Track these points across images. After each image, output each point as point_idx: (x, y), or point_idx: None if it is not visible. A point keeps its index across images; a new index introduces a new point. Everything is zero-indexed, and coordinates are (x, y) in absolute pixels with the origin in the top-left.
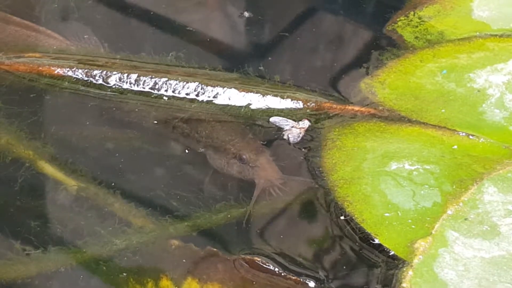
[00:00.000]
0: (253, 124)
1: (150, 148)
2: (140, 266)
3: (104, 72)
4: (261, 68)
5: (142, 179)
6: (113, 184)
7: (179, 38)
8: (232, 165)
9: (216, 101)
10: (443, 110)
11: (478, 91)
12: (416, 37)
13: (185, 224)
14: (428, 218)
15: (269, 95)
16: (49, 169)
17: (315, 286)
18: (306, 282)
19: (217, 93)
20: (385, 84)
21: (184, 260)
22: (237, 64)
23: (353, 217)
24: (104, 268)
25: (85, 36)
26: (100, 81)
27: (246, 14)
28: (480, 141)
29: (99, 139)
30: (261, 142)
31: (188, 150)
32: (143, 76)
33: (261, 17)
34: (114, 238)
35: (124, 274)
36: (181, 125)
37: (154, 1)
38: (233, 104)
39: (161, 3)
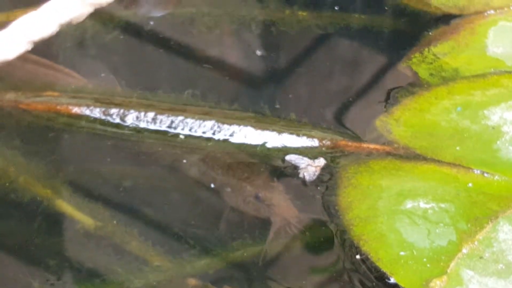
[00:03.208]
0: (269, 162)
1: (166, 186)
2: None
3: (121, 111)
4: (277, 106)
5: (159, 217)
6: (130, 222)
7: (195, 76)
8: (248, 203)
9: (232, 139)
10: (458, 148)
11: (493, 128)
12: (431, 74)
13: (202, 262)
14: (443, 257)
15: (285, 133)
16: (67, 208)
17: None
18: None
19: (233, 131)
20: (400, 121)
21: None
22: (253, 102)
23: (369, 256)
24: None
25: (102, 75)
26: (117, 120)
27: (259, 52)
28: (495, 178)
29: (116, 178)
30: (277, 180)
31: (204, 188)
32: (160, 115)
33: (275, 55)
34: (132, 277)
35: None
36: (197, 164)
37: (171, 39)
38: (249, 142)
39: (177, 41)
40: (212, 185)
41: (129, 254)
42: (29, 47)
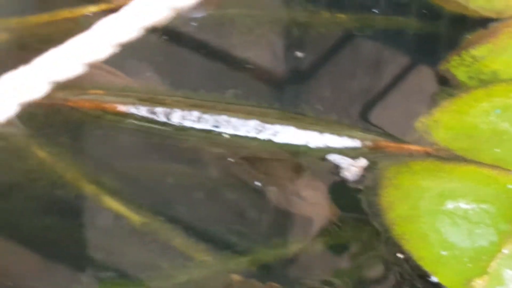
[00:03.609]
0: (311, 162)
1: (210, 184)
2: None
3: (167, 110)
4: (318, 107)
5: (203, 214)
6: (174, 219)
7: (236, 76)
8: (290, 202)
9: (275, 139)
10: (497, 150)
11: None
12: (470, 77)
13: (245, 258)
14: (484, 257)
15: (326, 133)
16: (113, 204)
17: None
18: None
19: (276, 131)
20: (439, 123)
21: None
22: (293, 103)
23: (411, 255)
24: None
25: (147, 74)
26: (163, 119)
27: (299, 54)
28: None
29: (161, 175)
30: (319, 180)
31: (247, 187)
32: (204, 114)
33: (315, 57)
34: (176, 272)
35: None
36: (241, 162)
37: (212, 39)
38: (291, 142)
39: (218, 42)
40: (258, 183)
41: (173, 250)
42: (113, 50)
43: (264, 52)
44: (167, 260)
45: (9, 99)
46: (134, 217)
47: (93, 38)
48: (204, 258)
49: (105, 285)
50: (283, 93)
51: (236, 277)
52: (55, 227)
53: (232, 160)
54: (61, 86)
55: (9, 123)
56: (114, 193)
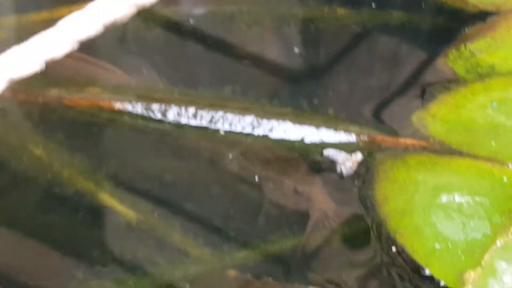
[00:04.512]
0: (307, 157)
1: (207, 180)
2: None
3: (163, 107)
4: (315, 102)
5: (199, 210)
6: (171, 215)
7: (235, 72)
8: (286, 197)
9: (271, 134)
10: (493, 143)
11: None
12: (467, 71)
13: (241, 254)
14: (478, 250)
15: (322, 128)
16: (109, 201)
17: None
18: None
19: (272, 126)
20: (436, 117)
21: None
22: (292, 98)
23: (405, 249)
24: None
25: (144, 71)
26: (159, 116)
27: (297, 50)
28: None
29: (158, 172)
30: (315, 175)
31: (243, 182)
32: (200, 110)
33: (314, 52)
34: (172, 268)
35: None
36: (237, 158)
37: (211, 36)
38: (287, 137)
39: (217, 38)
40: (255, 179)
41: (170, 247)
42: (74, 46)
43: (262, 48)
44: (163, 256)
45: None
46: (131, 213)
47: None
48: (201, 253)
49: (102, 281)
50: (281, 89)
51: (232, 272)
52: (52, 224)
53: (228, 156)
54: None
55: None
56: (111, 190)
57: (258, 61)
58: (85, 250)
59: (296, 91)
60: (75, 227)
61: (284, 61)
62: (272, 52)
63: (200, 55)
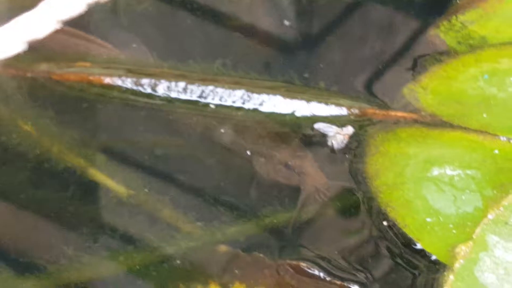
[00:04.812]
0: (298, 131)
1: (198, 155)
2: (189, 271)
3: (152, 81)
4: (306, 75)
5: (190, 185)
6: (162, 190)
7: (225, 45)
8: (278, 171)
9: (262, 108)
10: (484, 115)
11: None
12: (459, 42)
13: (232, 229)
14: (469, 223)
15: (313, 102)
16: (100, 177)
17: None
18: (350, 286)
19: (263, 100)
20: (427, 89)
21: (231, 266)
22: (282, 71)
23: (396, 222)
24: (154, 273)
25: (134, 45)
26: (149, 90)
27: (287, 23)
28: None
29: (148, 147)
30: (306, 149)
31: (235, 157)
32: (191, 85)
33: (304, 24)
34: (163, 244)
35: (173, 279)
36: (228, 132)
37: (201, 9)
38: (278, 111)
39: (207, 11)
40: (248, 152)
41: (161, 222)
42: (57, 26)
43: (253, 21)
44: (154, 231)
45: None
46: (121, 189)
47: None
48: (192, 229)
49: (93, 257)
50: (272, 62)
51: (223, 247)
52: (42, 200)
53: (219, 130)
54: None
55: None
56: (101, 165)
57: (249, 34)
58: (75, 225)
59: (287, 65)
60: (65, 203)
61: (275, 34)
62: (263, 24)
63: (190, 28)
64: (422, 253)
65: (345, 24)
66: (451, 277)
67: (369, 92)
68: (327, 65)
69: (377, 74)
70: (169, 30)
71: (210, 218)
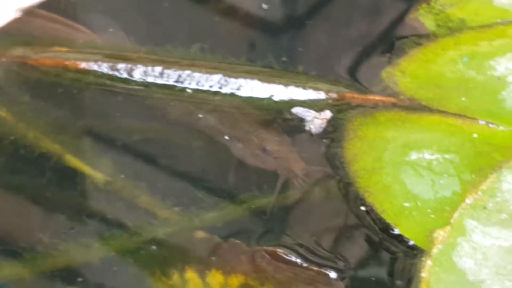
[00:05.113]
0: (276, 115)
1: (175, 140)
2: (166, 258)
3: (129, 66)
4: (284, 59)
5: (168, 171)
6: (139, 176)
7: (204, 29)
8: (255, 156)
9: (239, 93)
10: (463, 98)
11: (498, 78)
12: (438, 25)
13: (210, 215)
14: (447, 208)
15: (291, 86)
16: (76, 163)
17: (336, 276)
18: (327, 273)
19: (240, 85)
20: (406, 73)
21: (208, 252)
22: (261, 55)
23: (374, 208)
24: (131, 260)
25: (111, 30)
26: (125, 75)
27: (265, 6)
28: (499, 129)
29: (125, 133)
30: (284, 133)
31: (212, 142)
32: (167, 69)
33: (282, 8)
34: (140, 230)
35: (150, 265)
36: (206, 117)
37: None
38: (256, 95)
39: None
40: (224, 138)
41: (138, 208)
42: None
43: (231, 5)
44: (131, 218)
45: None
46: (98, 175)
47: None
48: (169, 215)
49: (69, 244)
50: (250, 46)
51: (200, 234)
52: (18, 187)
53: (196, 115)
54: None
55: None
56: (77, 152)
57: (228, 18)
58: (52, 212)
59: (265, 48)
60: (41, 189)
61: (254, 17)
62: (243, 8)
63: (167, 12)
64: (400, 239)
65: (324, 8)
66: (429, 262)
67: (347, 76)
68: (306, 49)
69: (356, 58)
70: (147, 14)
71: (188, 204)
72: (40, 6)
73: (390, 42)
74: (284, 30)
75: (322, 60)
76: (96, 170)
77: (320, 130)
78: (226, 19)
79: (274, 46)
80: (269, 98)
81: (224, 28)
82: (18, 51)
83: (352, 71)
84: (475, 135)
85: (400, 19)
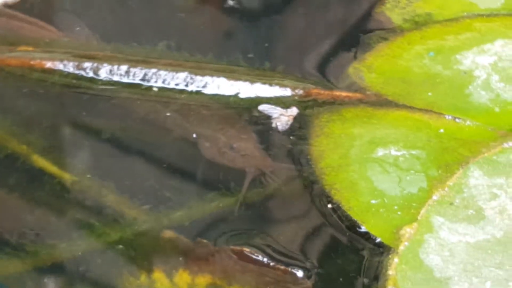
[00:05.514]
0: (242, 112)
1: (142, 139)
2: (133, 258)
3: (95, 65)
4: (251, 55)
5: (135, 170)
6: (106, 176)
7: (170, 26)
8: (222, 154)
9: (205, 90)
10: (430, 93)
11: (465, 73)
12: (404, 19)
13: (177, 214)
14: (414, 204)
15: (257, 83)
16: (43, 163)
17: (303, 275)
18: (294, 271)
19: (206, 82)
20: (372, 68)
21: (175, 252)
22: (227, 52)
23: (340, 205)
24: (98, 260)
25: (77, 28)
26: (91, 74)
27: (231, 2)
28: (466, 124)
29: (92, 132)
30: (251, 131)
31: (179, 140)
32: (133, 68)
33: (250, 3)
34: (108, 230)
35: (118, 266)
36: (172, 116)
37: None
38: (222, 93)
39: None
40: (194, 135)
41: (105, 208)
42: None
43: (197, 1)
44: (99, 217)
45: None
46: (65, 175)
47: None
48: (137, 214)
49: (36, 246)
50: (217, 43)
51: (167, 233)
52: None
53: (163, 113)
54: None
55: None
56: (44, 152)
57: (195, 14)
58: (18, 214)
59: (232, 45)
60: (8, 191)
61: (221, 13)
62: (209, 4)
63: (133, 10)
64: (366, 236)
65: (290, 3)
66: (396, 259)
67: (314, 72)
68: (272, 45)
69: (322, 54)
70: (113, 12)
71: (156, 203)
72: (4, 4)
73: (356, 37)
74: (251, 27)
75: (288, 56)
76: (62, 170)
77: (287, 127)
78: (192, 16)
79: (240, 42)
80: (236, 96)
81: (191, 25)
82: None
83: (319, 67)
84: (441, 131)
85: (366, 13)
